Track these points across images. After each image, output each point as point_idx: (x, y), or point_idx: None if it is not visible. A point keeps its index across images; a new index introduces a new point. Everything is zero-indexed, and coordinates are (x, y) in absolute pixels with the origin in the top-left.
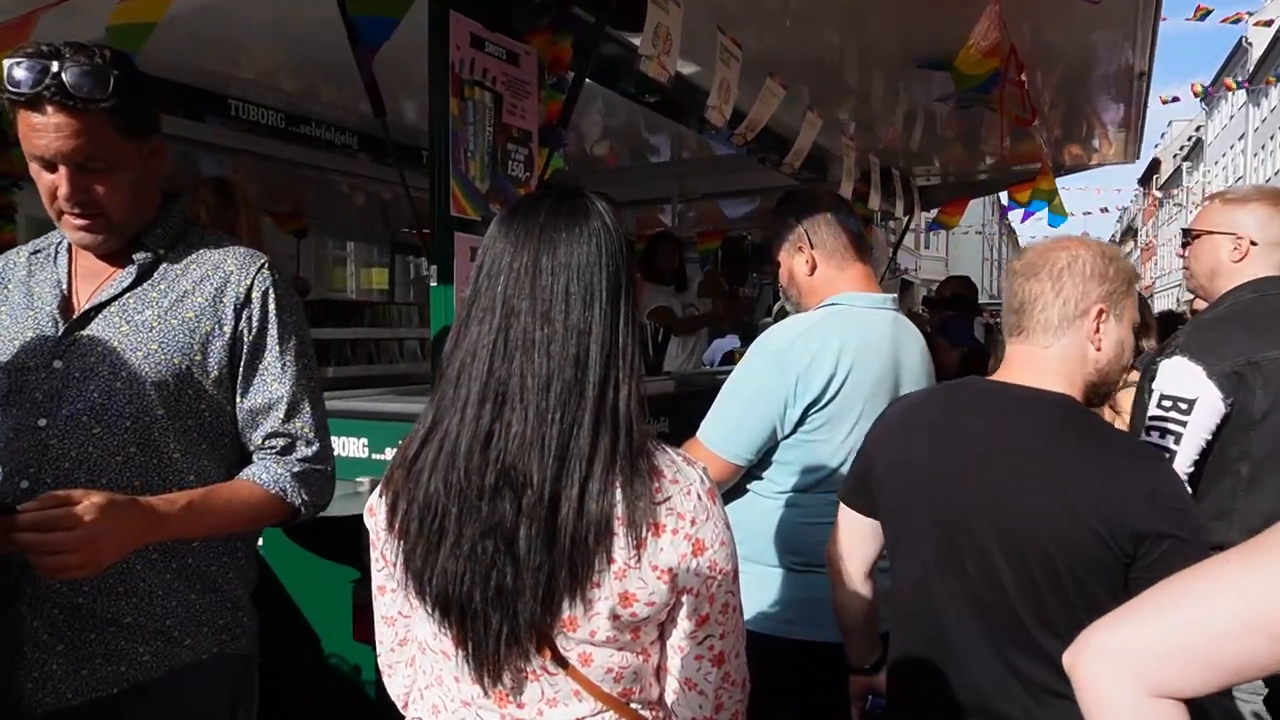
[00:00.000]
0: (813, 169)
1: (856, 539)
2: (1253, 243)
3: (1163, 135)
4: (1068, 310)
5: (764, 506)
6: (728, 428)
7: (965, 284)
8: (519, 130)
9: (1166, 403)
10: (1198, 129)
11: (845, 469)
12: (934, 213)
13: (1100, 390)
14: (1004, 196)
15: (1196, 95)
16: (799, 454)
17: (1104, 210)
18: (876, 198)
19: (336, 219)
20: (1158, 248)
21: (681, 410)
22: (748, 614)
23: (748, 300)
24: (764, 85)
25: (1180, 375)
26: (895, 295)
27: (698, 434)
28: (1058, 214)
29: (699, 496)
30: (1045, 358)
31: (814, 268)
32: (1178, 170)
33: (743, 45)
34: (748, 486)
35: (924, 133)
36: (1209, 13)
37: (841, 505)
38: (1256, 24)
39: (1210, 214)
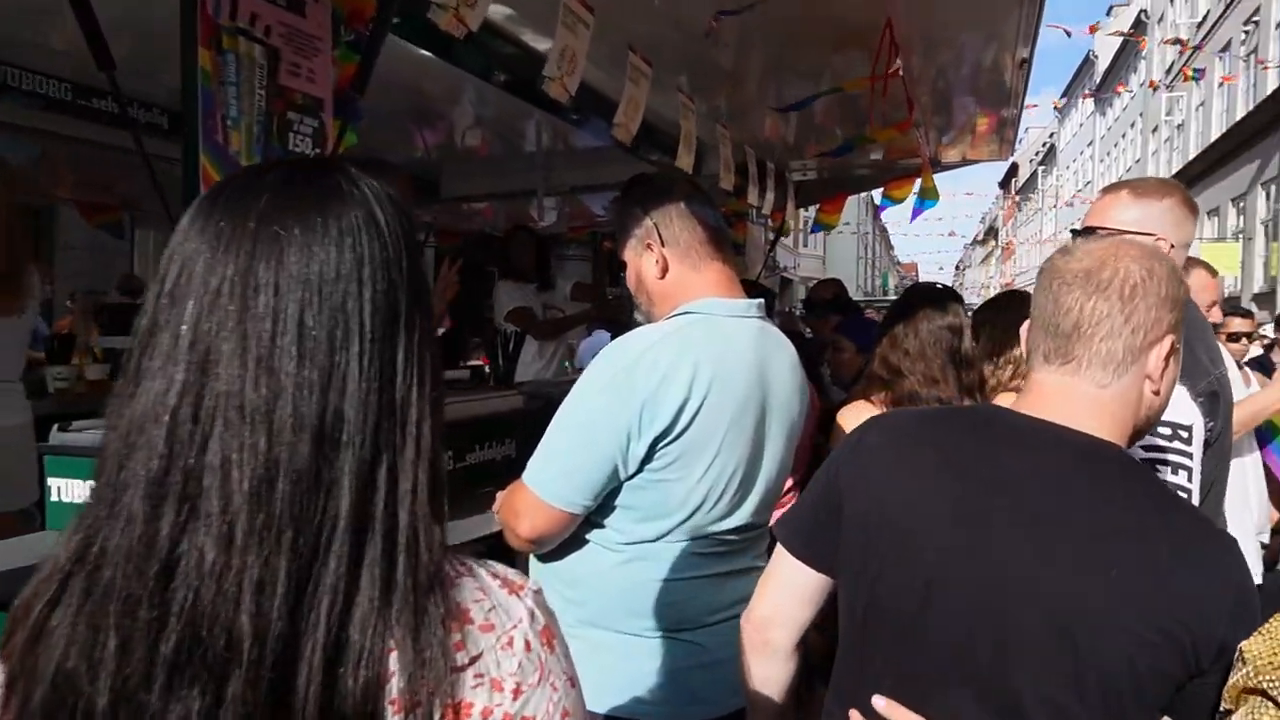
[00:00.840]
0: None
1: (796, 598)
2: (1170, 245)
3: (1020, 141)
4: (1135, 341)
5: (608, 561)
6: (558, 467)
7: (839, 285)
8: (305, 96)
9: (1165, 430)
10: (1051, 135)
11: (704, 511)
12: (813, 212)
13: (1133, 442)
14: (878, 196)
15: (1056, 109)
16: (648, 496)
17: (969, 215)
18: (755, 191)
19: (172, 210)
20: (1016, 247)
21: (534, 430)
22: (593, 694)
23: (618, 301)
24: (628, 63)
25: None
26: (761, 301)
27: (523, 475)
28: (929, 197)
29: (526, 645)
30: (1098, 400)
31: (665, 269)
32: (1034, 174)
33: (600, 15)
34: (587, 537)
35: (800, 125)
36: (1069, 34)
37: (780, 554)
38: (1109, 34)
39: (1119, 209)
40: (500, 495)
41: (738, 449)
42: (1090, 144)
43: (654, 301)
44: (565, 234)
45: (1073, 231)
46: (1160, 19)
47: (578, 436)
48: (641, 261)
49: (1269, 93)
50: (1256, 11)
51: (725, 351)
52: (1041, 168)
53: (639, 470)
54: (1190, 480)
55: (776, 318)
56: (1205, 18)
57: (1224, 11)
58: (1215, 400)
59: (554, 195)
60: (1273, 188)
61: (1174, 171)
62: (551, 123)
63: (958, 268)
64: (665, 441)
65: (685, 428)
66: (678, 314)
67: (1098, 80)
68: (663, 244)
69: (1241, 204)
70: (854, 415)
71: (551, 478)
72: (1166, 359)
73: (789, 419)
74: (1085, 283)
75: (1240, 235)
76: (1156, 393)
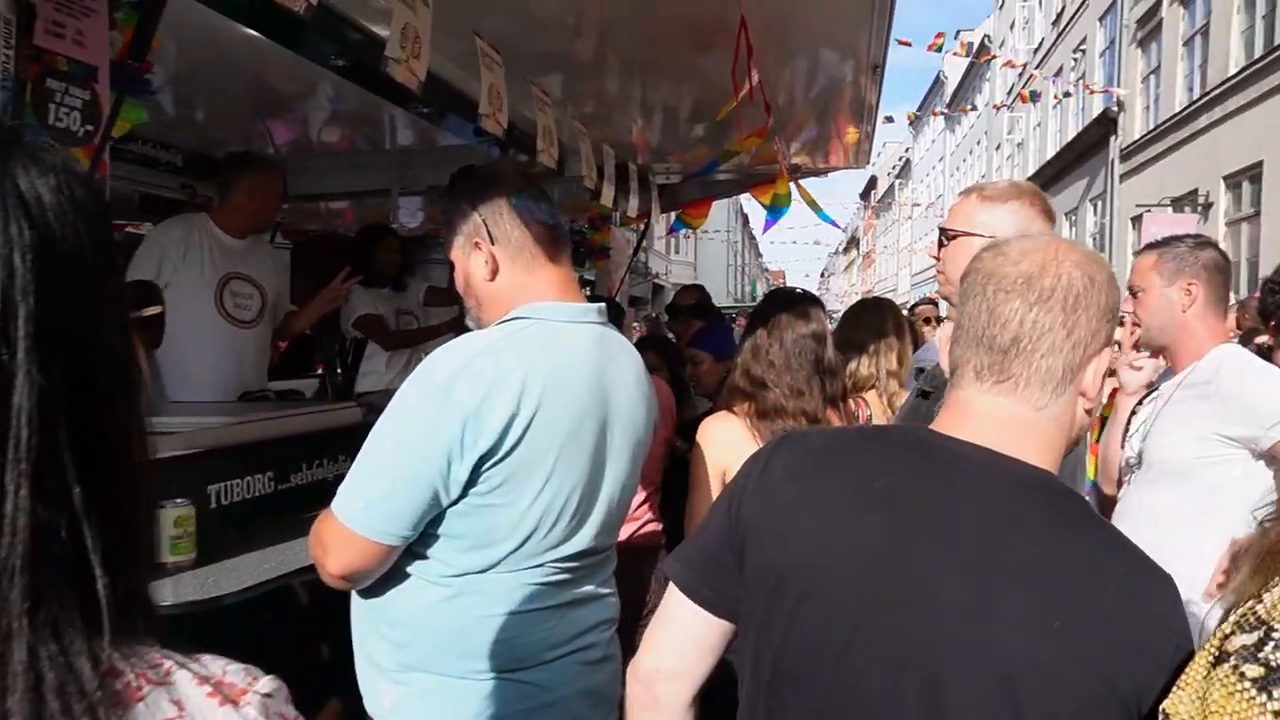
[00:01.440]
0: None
1: (692, 648)
2: None
3: (879, 155)
4: (1075, 358)
5: (432, 596)
6: (370, 494)
7: (702, 292)
8: (71, 62)
9: None
10: (906, 150)
11: (539, 537)
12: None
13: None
14: (745, 205)
15: (910, 121)
16: (474, 524)
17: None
18: (610, 192)
19: None
20: (876, 255)
21: None
22: None
23: None
24: (477, 48)
25: None
26: (603, 305)
27: (332, 504)
28: (782, 205)
29: None
30: (1035, 424)
31: (495, 269)
32: (891, 186)
33: (448, 5)
34: (409, 570)
35: (664, 128)
36: (909, 44)
37: (673, 596)
38: (954, 54)
39: (967, 212)
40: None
41: (576, 467)
42: (941, 159)
43: (483, 306)
44: (428, 234)
45: (939, 229)
46: (1002, 44)
47: (392, 459)
48: (469, 262)
49: (1095, 116)
50: (1084, 41)
51: (560, 360)
52: (898, 180)
53: (463, 495)
54: None
55: (644, 322)
56: (1041, 44)
57: (1056, 39)
58: None
59: (412, 195)
60: (1099, 203)
61: None
62: (409, 119)
63: (823, 275)
64: (492, 462)
65: (514, 445)
66: (508, 319)
67: (948, 99)
68: (492, 242)
69: (1074, 218)
70: (718, 428)
71: (362, 506)
72: (1103, 374)
73: (634, 432)
74: (1026, 290)
75: None
76: (1089, 411)
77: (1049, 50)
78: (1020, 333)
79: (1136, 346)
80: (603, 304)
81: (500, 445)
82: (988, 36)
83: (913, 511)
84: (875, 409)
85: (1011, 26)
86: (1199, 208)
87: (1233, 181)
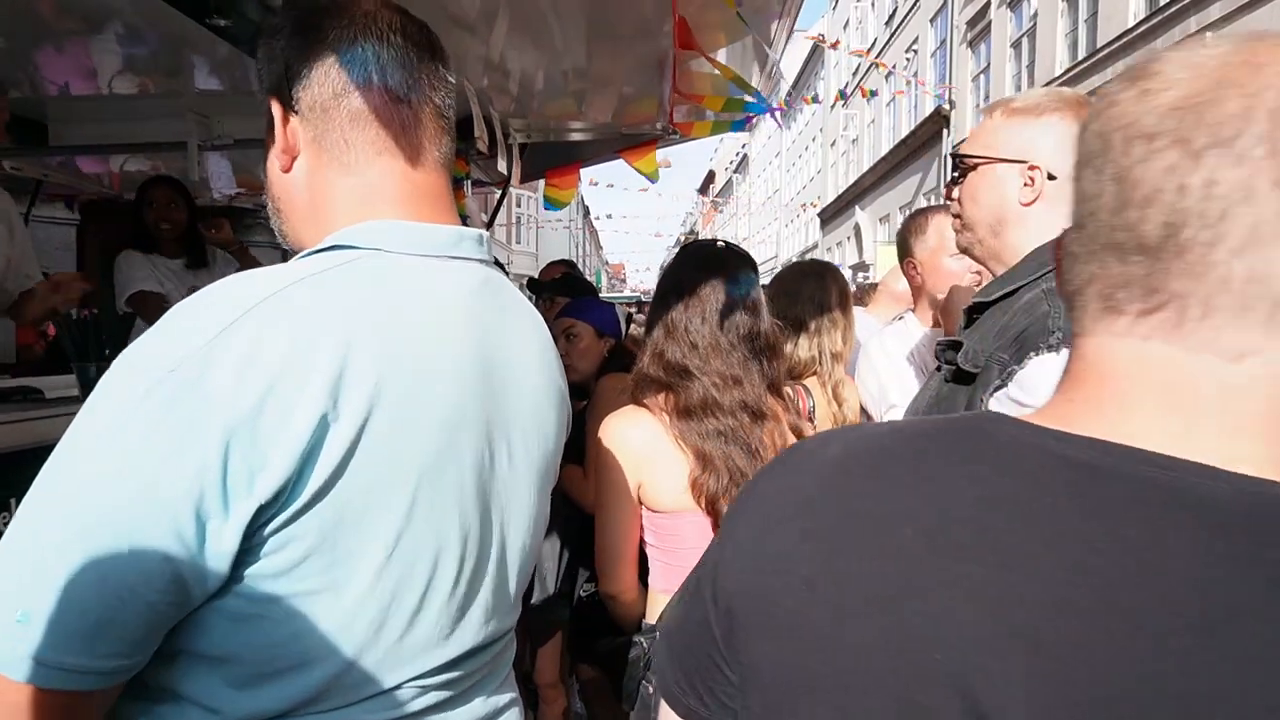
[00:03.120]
0: None
1: None
2: (1050, 176)
3: (716, 150)
4: None
5: None
6: (33, 597)
7: (571, 266)
8: None
9: None
10: (744, 145)
11: (387, 641)
12: (541, 186)
13: None
14: (586, 195)
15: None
16: (259, 633)
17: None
18: (484, 143)
19: None
20: None
21: None
22: None
23: None
24: None
25: None
26: (484, 234)
27: None
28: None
29: None
30: (1236, 392)
31: (293, 155)
32: (729, 181)
33: None
34: None
35: (532, 71)
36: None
37: (661, 703)
38: (808, 37)
39: (991, 131)
40: None
41: (448, 510)
42: (778, 154)
43: (284, 214)
44: (248, 207)
45: (952, 155)
46: (836, 45)
47: (77, 520)
48: (273, 142)
49: (928, 113)
50: (916, 41)
51: (413, 322)
52: (736, 175)
53: (236, 579)
54: None
55: None
56: (874, 44)
57: (889, 39)
58: None
59: (217, 150)
60: (932, 196)
61: (851, 182)
62: (211, 51)
63: (663, 268)
64: (289, 512)
65: (330, 479)
66: (318, 250)
67: (783, 96)
68: (293, 109)
69: (909, 210)
70: (628, 427)
71: (15, 619)
72: None
73: (542, 443)
74: (1193, 127)
75: None
76: None
77: (882, 49)
78: (1183, 213)
79: None
80: (484, 232)
81: (302, 480)
82: (822, 35)
83: (1021, 571)
84: (818, 399)
85: (845, 26)
86: None
87: None
